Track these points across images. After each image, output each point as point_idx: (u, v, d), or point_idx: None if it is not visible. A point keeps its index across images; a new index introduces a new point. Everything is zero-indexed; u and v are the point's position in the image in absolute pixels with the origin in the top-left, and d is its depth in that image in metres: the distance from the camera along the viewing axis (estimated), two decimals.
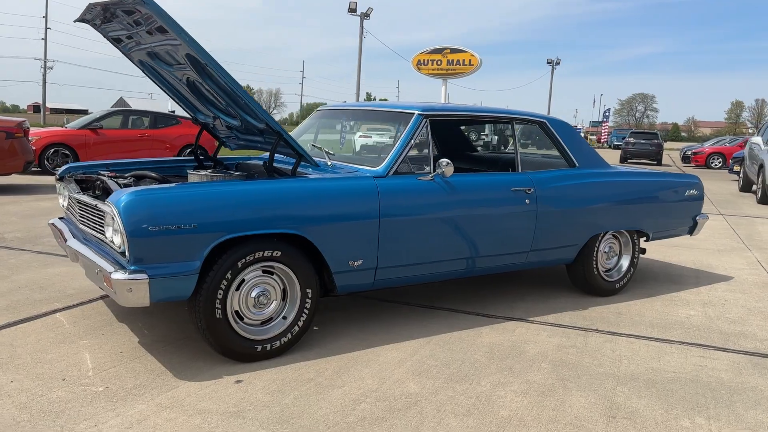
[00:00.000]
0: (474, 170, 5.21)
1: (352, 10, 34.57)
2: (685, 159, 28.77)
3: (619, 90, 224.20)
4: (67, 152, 12.83)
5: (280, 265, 3.53)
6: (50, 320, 4.10)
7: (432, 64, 42.64)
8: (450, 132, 5.99)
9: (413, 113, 4.23)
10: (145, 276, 3.10)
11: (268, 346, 3.54)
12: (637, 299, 5.11)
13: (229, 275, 3.36)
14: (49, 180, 11.70)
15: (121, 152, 13.14)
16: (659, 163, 28.14)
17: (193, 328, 3.95)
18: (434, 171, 4.07)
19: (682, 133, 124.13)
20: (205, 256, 3.26)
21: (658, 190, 5.35)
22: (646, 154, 28.27)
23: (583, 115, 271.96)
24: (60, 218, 4.42)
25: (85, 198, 3.73)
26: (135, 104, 77.88)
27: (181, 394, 3.09)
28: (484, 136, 25.69)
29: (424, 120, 4.18)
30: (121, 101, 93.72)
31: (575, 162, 4.94)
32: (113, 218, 3.16)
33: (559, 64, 51.33)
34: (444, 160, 4.00)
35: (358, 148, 9.68)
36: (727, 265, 6.57)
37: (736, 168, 17.14)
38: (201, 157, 4.78)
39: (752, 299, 5.26)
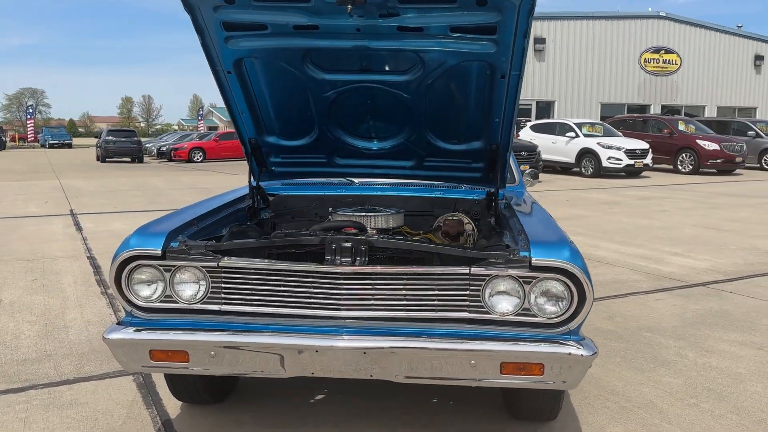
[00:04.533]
0: None
1: None
2: (162, 155, 29.69)
3: (4, 84, 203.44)
4: None
5: None
6: None
7: None
8: None
9: None
10: (593, 345, 2.50)
11: None
12: None
13: None
14: None
15: None
16: (141, 161, 28.21)
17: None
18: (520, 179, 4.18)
19: (80, 129, 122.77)
20: None
21: None
22: (128, 153, 27.92)
23: None
24: (133, 325, 2.56)
25: (384, 268, 2.48)
26: None
27: None
28: None
29: None
30: None
31: None
32: (545, 280, 2.39)
33: None
34: (531, 171, 4.15)
35: None
36: None
37: None
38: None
39: None
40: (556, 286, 2.40)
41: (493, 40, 2.64)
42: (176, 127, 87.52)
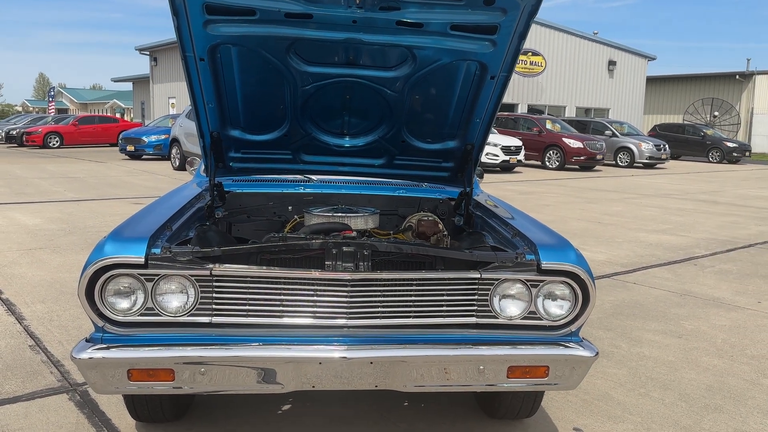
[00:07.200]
0: None
1: None
2: (12, 139, 27.03)
3: None
4: None
5: None
6: None
7: None
8: None
9: None
10: (594, 346, 2.54)
11: None
12: None
13: None
14: None
15: None
16: None
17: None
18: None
19: None
20: None
21: None
22: None
23: None
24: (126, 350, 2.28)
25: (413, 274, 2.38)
26: None
27: None
28: None
29: None
30: None
31: None
32: (553, 282, 2.41)
33: None
34: (477, 170, 4.19)
35: None
36: None
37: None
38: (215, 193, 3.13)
39: None
40: (561, 289, 2.43)
41: (491, 40, 2.62)
42: (20, 109, 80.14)
